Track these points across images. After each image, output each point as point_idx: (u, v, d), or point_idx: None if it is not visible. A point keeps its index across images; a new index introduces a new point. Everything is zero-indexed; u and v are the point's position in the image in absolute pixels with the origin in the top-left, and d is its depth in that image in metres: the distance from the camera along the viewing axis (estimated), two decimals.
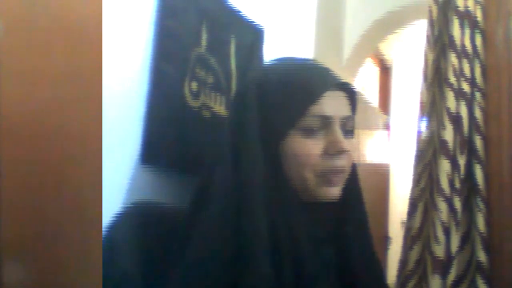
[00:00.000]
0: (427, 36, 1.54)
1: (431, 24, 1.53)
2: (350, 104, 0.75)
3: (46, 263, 0.67)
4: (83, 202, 0.69)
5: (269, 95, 0.71)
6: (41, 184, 0.67)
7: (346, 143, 0.71)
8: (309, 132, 0.70)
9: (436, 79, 1.50)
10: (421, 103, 1.53)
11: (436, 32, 1.52)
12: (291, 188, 0.71)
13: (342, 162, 0.72)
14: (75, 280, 0.68)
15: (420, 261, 1.40)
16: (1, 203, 0.63)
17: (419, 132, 1.52)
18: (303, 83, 0.72)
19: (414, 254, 1.42)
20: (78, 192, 0.69)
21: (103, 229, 0.72)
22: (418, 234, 1.42)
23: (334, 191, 0.72)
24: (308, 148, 0.70)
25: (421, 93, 1.53)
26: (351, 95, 0.76)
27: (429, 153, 1.46)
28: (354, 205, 0.78)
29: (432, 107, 1.49)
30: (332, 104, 0.71)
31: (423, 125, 1.51)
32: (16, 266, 0.65)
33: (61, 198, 0.68)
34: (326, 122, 0.71)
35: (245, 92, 0.74)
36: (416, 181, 1.47)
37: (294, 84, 0.72)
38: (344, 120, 0.73)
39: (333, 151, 0.70)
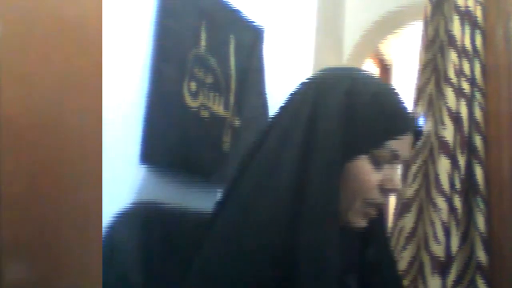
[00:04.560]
0: (422, 36, 1.54)
1: (426, 23, 1.53)
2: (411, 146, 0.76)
3: (46, 263, 0.67)
4: (83, 202, 0.69)
5: (356, 110, 0.69)
6: (41, 184, 0.67)
7: (400, 183, 0.72)
8: (376, 162, 0.70)
9: (433, 78, 1.50)
10: (415, 102, 1.52)
11: (431, 31, 1.52)
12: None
13: (386, 199, 0.73)
14: (75, 280, 0.68)
15: (414, 261, 1.40)
16: (1, 203, 0.63)
17: None
18: (393, 113, 0.71)
19: (407, 254, 1.41)
20: (78, 192, 0.69)
21: (103, 229, 0.72)
22: (411, 234, 1.42)
23: (365, 223, 0.73)
24: (371, 177, 0.70)
25: (416, 92, 1.53)
26: (417, 138, 0.77)
27: (424, 153, 1.45)
28: (379, 232, 0.80)
29: (429, 107, 1.49)
30: (404, 145, 0.72)
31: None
32: (16, 266, 0.65)
33: (61, 198, 0.68)
34: (393, 159, 0.71)
35: (332, 97, 0.71)
36: (410, 180, 1.46)
37: (385, 108, 0.70)
38: (404, 161, 0.75)
39: (388, 187, 0.71)
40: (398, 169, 0.74)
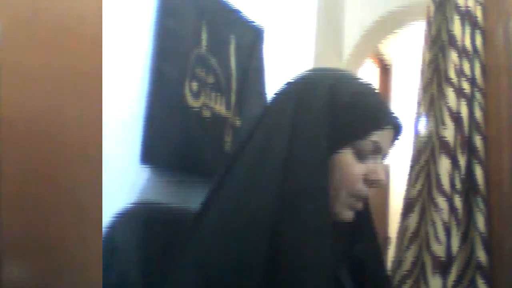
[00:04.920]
0: (425, 35, 1.54)
1: (429, 23, 1.53)
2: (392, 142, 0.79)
3: (46, 263, 0.67)
4: (83, 202, 0.69)
5: (339, 106, 0.72)
6: (41, 184, 0.67)
7: (384, 176, 0.75)
8: (360, 155, 0.73)
9: (434, 78, 1.50)
10: (419, 102, 1.53)
11: (433, 31, 1.52)
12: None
13: (371, 192, 0.75)
14: (75, 281, 0.68)
15: (417, 261, 1.40)
16: (1, 203, 0.63)
17: (417, 132, 1.52)
18: (374, 108, 0.74)
19: (410, 254, 1.41)
20: (78, 192, 0.69)
21: (103, 229, 0.72)
22: (415, 234, 1.42)
23: (351, 215, 0.75)
24: (354, 169, 0.72)
25: (419, 92, 1.53)
26: (397, 134, 0.79)
27: (426, 153, 1.46)
28: (366, 228, 0.82)
29: (430, 107, 1.49)
30: (386, 137, 0.75)
31: (421, 125, 1.51)
32: (16, 267, 0.65)
33: (61, 198, 0.68)
34: (376, 151, 0.74)
35: (315, 95, 0.74)
36: (413, 180, 1.47)
37: (366, 104, 0.74)
38: (385, 155, 0.77)
39: (372, 179, 0.73)
40: (382, 163, 0.76)
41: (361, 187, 0.73)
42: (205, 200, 0.73)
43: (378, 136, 0.73)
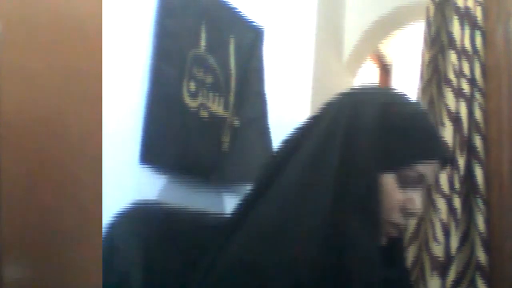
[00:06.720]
0: (424, 36, 1.54)
1: (428, 23, 1.53)
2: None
3: (46, 263, 0.67)
4: (83, 202, 0.69)
5: (389, 130, 0.69)
6: (41, 184, 0.67)
7: (421, 207, 0.71)
8: (401, 181, 0.69)
9: (434, 78, 1.50)
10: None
11: (433, 32, 1.52)
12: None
13: (407, 222, 0.72)
14: (75, 280, 0.68)
15: (417, 261, 1.40)
16: (1, 203, 0.63)
17: None
18: (425, 137, 0.71)
19: (410, 254, 1.41)
20: (78, 192, 0.69)
21: (103, 229, 0.72)
22: (415, 234, 1.42)
23: (384, 241, 0.72)
24: (393, 195, 0.69)
25: (418, 93, 1.53)
26: (444, 166, 0.76)
27: None
28: (397, 254, 0.79)
29: (430, 107, 1.49)
30: (432, 170, 0.71)
31: None
32: (16, 266, 0.65)
33: (61, 198, 0.68)
34: (419, 181, 0.70)
35: (367, 114, 0.71)
36: None
37: (417, 132, 0.70)
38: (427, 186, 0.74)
39: (410, 209, 0.70)
40: (421, 194, 0.72)
41: (396, 216, 0.70)
42: (245, 202, 0.72)
43: (424, 167, 0.70)
